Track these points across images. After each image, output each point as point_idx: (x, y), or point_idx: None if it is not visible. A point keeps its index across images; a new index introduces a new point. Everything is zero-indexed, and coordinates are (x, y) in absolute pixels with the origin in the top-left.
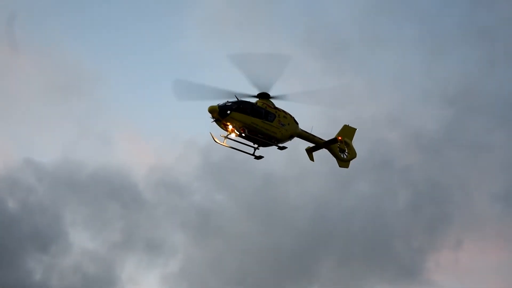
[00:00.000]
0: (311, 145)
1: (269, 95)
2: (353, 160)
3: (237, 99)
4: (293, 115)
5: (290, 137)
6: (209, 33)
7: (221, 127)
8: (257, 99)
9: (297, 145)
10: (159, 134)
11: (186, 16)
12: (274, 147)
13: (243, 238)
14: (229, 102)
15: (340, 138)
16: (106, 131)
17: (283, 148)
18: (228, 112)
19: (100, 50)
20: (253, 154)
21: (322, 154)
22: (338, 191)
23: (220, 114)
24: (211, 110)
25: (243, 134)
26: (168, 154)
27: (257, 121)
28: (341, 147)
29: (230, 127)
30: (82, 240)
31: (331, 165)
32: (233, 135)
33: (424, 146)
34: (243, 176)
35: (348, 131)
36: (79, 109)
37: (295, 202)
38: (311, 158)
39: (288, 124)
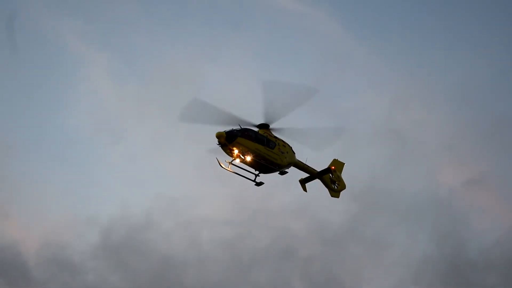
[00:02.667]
0: (305, 176)
1: (268, 125)
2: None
3: (241, 127)
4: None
5: (288, 165)
6: None
7: (226, 153)
8: (258, 128)
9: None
10: (56, 208)
11: None
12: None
13: None
14: (235, 129)
15: (333, 167)
16: None
17: (284, 173)
18: (235, 137)
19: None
20: (254, 180)
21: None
22: (238, 278)
23: (227, 139)
24: (219, 135)
25: (248, 158)
26: (64, 231)
27: (260, 147)
28: (332, 178)
29: (236, 152)
30: None
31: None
32: (237, 161)
33: (326, 238)
34: (141, 257)
35: (337, 165)
36: None
37: (192, 286)
38: (304, 189)
39: (287, 152)
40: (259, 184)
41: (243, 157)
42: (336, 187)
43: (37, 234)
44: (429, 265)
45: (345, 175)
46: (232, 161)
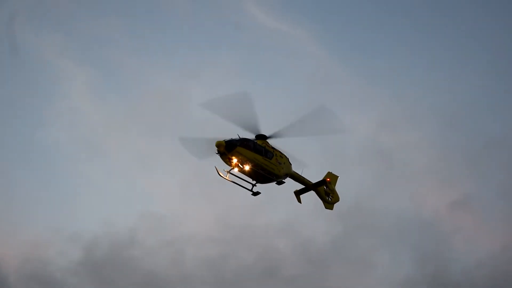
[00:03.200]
0: (300, 187)
1: (266, 136)
2: None
3: (239, 137)
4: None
5: (285, 175)
6: None
7: (225, 162)
8: (256, 139)
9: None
10: (39, 225)
11: None
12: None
13: None
14: (234, 139)
15: (328, 179)
16: None
17: (281, 183)
18: (234, 147)
19: None
20: (251, 190)
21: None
22: None
23: (227, 148)
24: (218, 144)
25: (247, 168)
26: (46, 247)
27: (258, 157)
28: (327, 191)
29: (235, 161)
30: None
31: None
32: (235, 170)
33: (310, 257)
34: (125, 275)
35: (331, 177)
36: None
37: None
38: (299, 200)
39: (284, 163)
40: (256, 194)
41: (241, 166)
42: (330, 199)
43: (19, 250)
44: (412, 286)
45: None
46: (231, 170)
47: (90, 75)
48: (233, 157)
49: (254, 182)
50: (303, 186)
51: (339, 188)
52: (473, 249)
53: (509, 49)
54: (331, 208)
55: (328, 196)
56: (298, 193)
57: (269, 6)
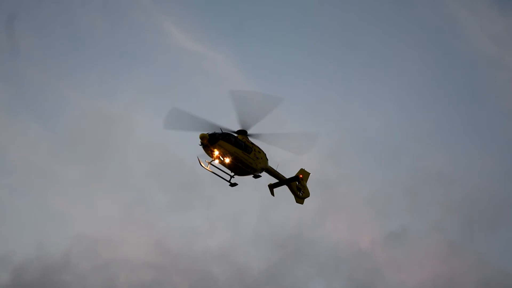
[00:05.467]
0: (274, 181)
1: (246, 132)
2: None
3: (222, 131)
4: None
5: (262, 170)
6: None
7: (207, 153)
8: (236, 134)
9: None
10: None
11: None
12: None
13: None
14: (217, 133)
15: (301, 176)
16: None
17: (258, 176)
18: (217, 140)
19: None
20: (229, 181)
21: None
22: None
23: (210, 141)
24: (202, 136)
25: (227, 160)
26: None
27: (238, 151)
28: (298, 186)
29: (216, 153)
30: None
31: None
32: (216, 162)
33: (246, 285)
34: None
35: (304, 174)
36: None
37: None
38: (272, 194)
39: (262, 158)
40: (233, 185)
41: (222, 159)
42: (301, 194)
43: None
44: None
45: (272, 224)
46: (212, 161)
47: (4, 92)
48: (215, 150)
49: (232, 174)
50: (277, 181)
51: (276, 220)
52: (405, 280)
53: (451, 86)
54: (302, 203)
55: (300, 191)
56: (272, 187)
57: (189, 28)
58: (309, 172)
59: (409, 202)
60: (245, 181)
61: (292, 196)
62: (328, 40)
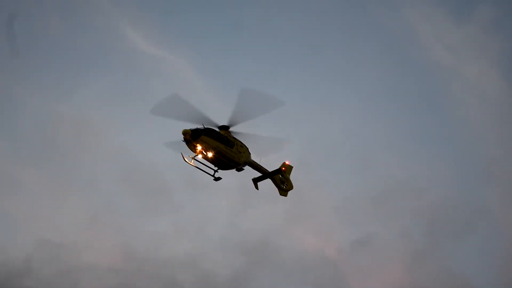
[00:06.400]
0: (257, 175)
1: (228, 127)
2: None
3: (204, 127)
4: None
5: (244, 164)
6: None
7: (190, 148)
8: (219, 129)
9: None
10: None
11: None
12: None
13: None
14: (199, 128)
15: (284, 169)
16: None
17: (241, 169)
18: (199, 135)
19: None
20: (213, 175)
21: None
22: None
23: (192, 136)
24: (185, 132)
25: (210, 155)
26: None
27: (221, 146)
28: (282, 179)
29: (199, 148)
30: None
31: None
32: (199, 157)
33: None
34: None
35: (286, 167)
36: None
37: None
38: (256, 187)
39: (244, 152)
40: (217, 179)
41: (205, 153)
42: (284, 187)
43: None
44: None
45: (239, 230)
46: (195, 156)
47: None
48: (198, 145)
49: (216, 168)
50: (261, 174)
51: (245, 225)
52: None
53: (413, 95)
54: (285, 195)
55: (283, 184)
56: (255, 181)
57: (147, 31)
58: (292, 165)
59: (376, 210)
60: (215, 185)
61: (273, 192)
62: (288, 47)
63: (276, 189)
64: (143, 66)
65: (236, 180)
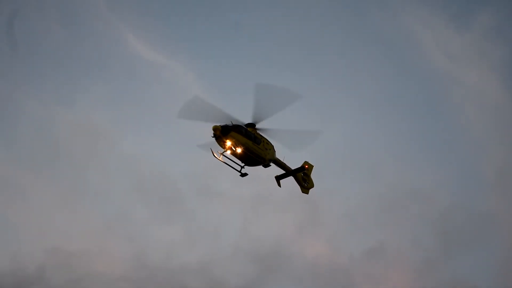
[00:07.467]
0: (281, 172)
1: (255, 125)
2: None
3: (232, 123)
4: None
5: (270, 161)
6: None
7: (220, 144)
8: (246, 127)
9: None
10: None
11: None
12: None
13: None
14: (229, 125)
15: (306, 166)
16: None
17: (268, 166)
18: (229, 131)
19: None
20: (239, 171)
21: None
22: None
23: (222, 132)
24: (215, 128)
25: (239, 151)
26: None
27: (249, 142)
28: (303, 177)
29: (228, 144)
30: None
31: None
32: (228, 152)
33: None
34: None
35: (308, 166)
36: None
37: None
38: (279, 185)
39: (270, 149)
40: (243, 175)
41: (234, 149)
42: (306, 185)
43: None
44: None
45: (251, 238)
46: (224, 152)
47: None
48: (227, 140)
49: (243, 164)
50: (283, 172)
51: (258, 234)
52: None
53: (424, 100)
54: (307, 193)
55: (305, 182)
56: (278, 178)
57: (147, 37)
58: (313, 165)
59: (386, 217)
60: (227, 194)
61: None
62: (288, 52)
63: (298, 187)
64: (142, 72)
65: (248, 189)
